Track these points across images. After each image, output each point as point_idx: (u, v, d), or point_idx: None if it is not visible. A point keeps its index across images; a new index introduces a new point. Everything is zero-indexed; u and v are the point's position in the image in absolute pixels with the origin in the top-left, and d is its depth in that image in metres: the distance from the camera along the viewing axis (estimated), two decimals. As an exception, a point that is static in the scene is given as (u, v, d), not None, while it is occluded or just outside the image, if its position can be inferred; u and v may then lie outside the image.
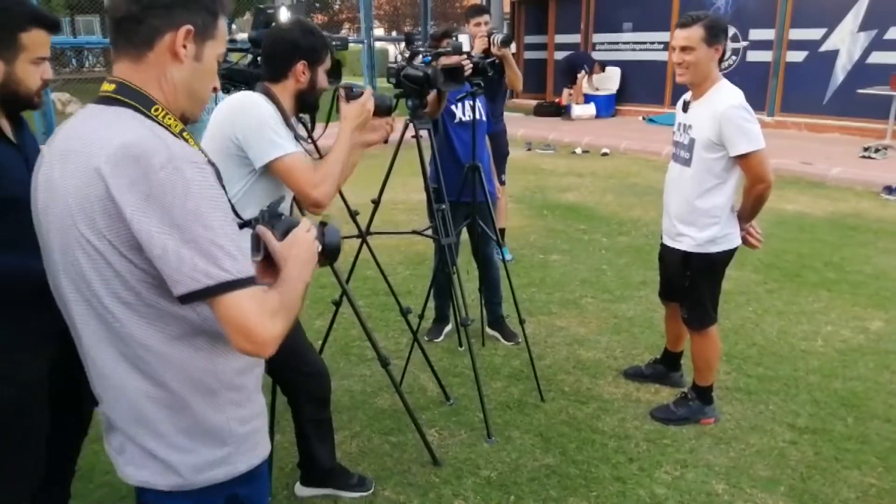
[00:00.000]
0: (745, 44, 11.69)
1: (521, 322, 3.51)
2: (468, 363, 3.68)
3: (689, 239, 3.00)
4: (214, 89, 1.39)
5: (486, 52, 4.13)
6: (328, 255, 1.55)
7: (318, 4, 24.02)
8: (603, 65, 13.45)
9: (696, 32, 2.81)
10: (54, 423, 1.99)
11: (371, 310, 4.45)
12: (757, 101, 11.36)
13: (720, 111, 2.81)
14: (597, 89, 13.55)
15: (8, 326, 1.81)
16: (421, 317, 3.61)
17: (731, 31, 11.78)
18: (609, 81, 13.60)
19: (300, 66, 2.20)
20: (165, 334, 1.26)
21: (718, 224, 2.94)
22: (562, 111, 13.53)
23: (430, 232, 3.26)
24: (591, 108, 13.32)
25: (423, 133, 3.14)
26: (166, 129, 1.24)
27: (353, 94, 2.27)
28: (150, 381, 1.29)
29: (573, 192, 7.77)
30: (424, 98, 3.09)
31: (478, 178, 3.35)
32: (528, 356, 3.51)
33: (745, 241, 3.07)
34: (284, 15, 2.49)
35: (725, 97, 2.85)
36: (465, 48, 3.16)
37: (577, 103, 13.31)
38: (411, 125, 3.10)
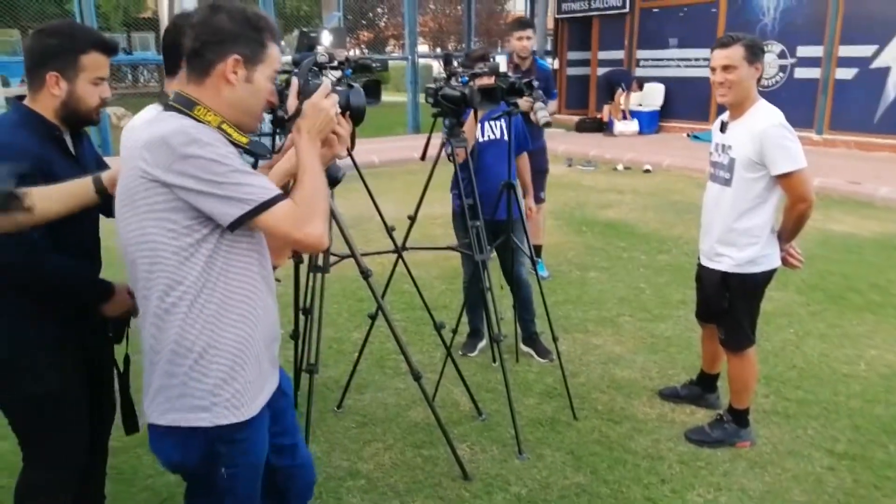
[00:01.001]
0: (792, 61, 11.51)
1: (555, 339, 3.52)
2: (501, 379, 3.69)
3: (729, 259, 2.98)
4: (271, 103, 1.69)
5: (525, 114, 4.08)
6: (354, 117, 1.69)
7: (363, 22, 24.42)
8: (641, 83, 13.37)
9: (736, 52, 2.80)
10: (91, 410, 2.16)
11: (407, 323, 4.50)
12: (805, 118, 11.17)
13: (761, 130, 2.80)
14: (640, 105, 13.47)
15: (58, 321, 2.00)
16: (455, 331, 3.64)
17: (779, 47, 11.63)
18: (652, 97, 13.51)
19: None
20: None
21: (758, 244, 2.92)
22: (604, 127, 13.48)
23: (465, 248, 3.30)
24: (633, 125, 13.24)
25: (460, 151, 3.20)
26: (205, 123, 1.55)
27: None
28: None
29: (613, 209, 7.74)
30: (461, 117, 3.15)
31: (513, 196, 3.39)
32: (561, 373, 3.50)
33: (784, 261, 3.04)
34: (327, 38, 2.57)
35: (766, 116, 2.85)
36: (503, 68, 3.21)
37: (616, 119, 13.25)
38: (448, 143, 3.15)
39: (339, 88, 1.77)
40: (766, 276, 2.98)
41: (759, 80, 2.88)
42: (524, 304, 4.07)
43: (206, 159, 1.48)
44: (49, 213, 1.78)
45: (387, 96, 3.03)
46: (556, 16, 15.57)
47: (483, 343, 4.11)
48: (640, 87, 13.37)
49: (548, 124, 4.38)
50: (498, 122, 3.76)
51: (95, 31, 2.10)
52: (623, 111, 13.29)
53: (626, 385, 3.69)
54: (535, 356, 4.01)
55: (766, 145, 2.78)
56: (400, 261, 3.30)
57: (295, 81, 1.73)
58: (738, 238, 2.92)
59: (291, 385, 2.04)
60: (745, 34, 2.87)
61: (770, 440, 3.16)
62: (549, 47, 16.04)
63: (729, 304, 3.02)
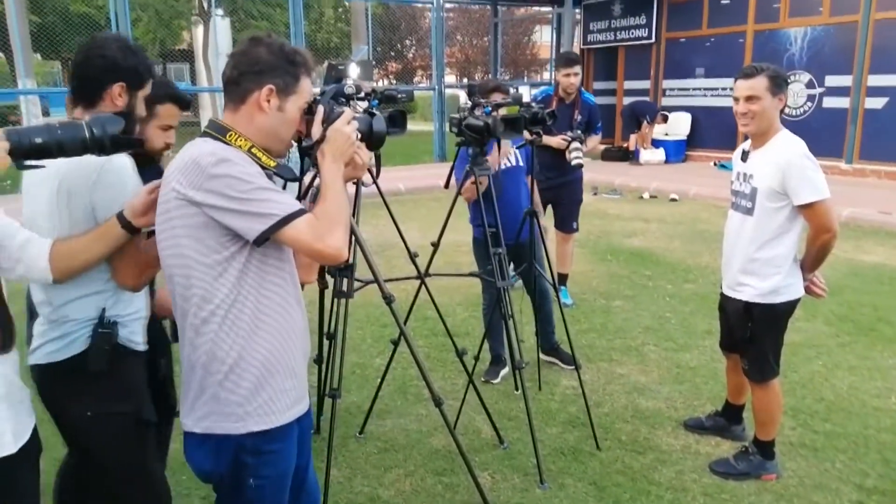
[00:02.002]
0: (821, 90, 11.45)
1: (577, 368, 3.51)
2: (523, 407, 3.68)
3: (751, 289, 2.96)
4: (299, 131, 1.78)
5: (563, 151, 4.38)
6: (374, 141, 1.81)
7: (392, 53, 24.84)
8: (665, 115, 13.38)
9: (760, 83, 2.81)
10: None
11: (429, 350, 4.51)
12: (834, 148, 11.08)
13: (784, 160, 2.80)
14: (666, 135, 13.45)
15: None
16: (477, 358, 3.65)
17: (807, 77, 11.58)
18: (679, 127, 13.50)
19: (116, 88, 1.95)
20: None
21: (781, 274, 2.90)
22: (630, 156, 13.47)
23: (487, 275, 3.32)
24: (660, 154, 13.22)
25: (483, 179, 3.24)
26: (235, 147, 1.64)
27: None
28: None
29: (639, 238, 7.71)
30: (484, 146, 3.20)
31: (535, 223, 3.41)
32: (584, 403, 3.49)
33: (808, 290, 3.01)
34: (354, 70, 2.63)
35: (789, 146, 2.85)
36: (526, 98, 3.26)
37: (643, 148, 13.24)
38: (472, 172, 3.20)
39: (360, 115, 1.85)
40: (790, 306, 2.96)
41: (782, 110, 2.89)
42: (547, 317, 4.12)
43: (233, 177, 1.56)
44: (79, 266, 1.82)
45: (413, 125, 3.10)
46: (582, 46, 15.69)
47: (505, 370, 4.11)
48: (665, 120, 13.36)
49: (579, 166, 4.49)
50: (512, 149, 3.85)
51: (172, 86, 2.30)
52: (649, 141, 13.30)
53: (650, 415, 3.66)
54: (560, 364, 4.05)
55: (789, 175, 2.78)
56: (423, 287, 3.32)
57: (321, 109, 1.79)
58: (760, 268, 2.91)
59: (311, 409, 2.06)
60: (768, 65, 2.88)
61: (797, 473, 3.10)
62: (583, 151, 16.11)
63: (752, 334, 2.99)
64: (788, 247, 2.89)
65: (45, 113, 12.57)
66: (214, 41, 13.09)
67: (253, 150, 1.67)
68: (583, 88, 5.31)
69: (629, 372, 4.20)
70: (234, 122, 1.69)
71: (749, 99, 2.83)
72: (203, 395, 1.69)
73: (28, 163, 1.55)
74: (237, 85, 1.68)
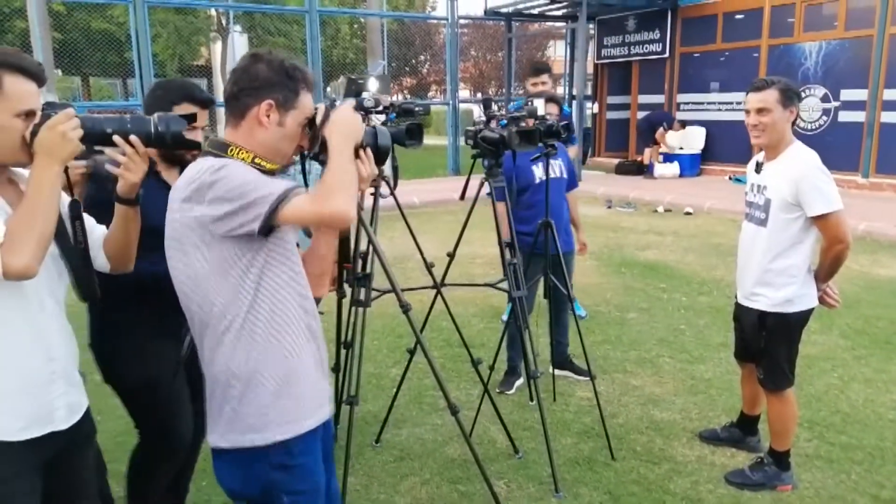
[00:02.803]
0: (836, 104, 11.43)
1: (592, 379, 3.53)
2: (538, 417, 3.71)
3: (765, 299, 2.99)
4: (300, 147, 1.79)
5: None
6: (379, 156, 1.83)
7: (407, 69, 25.04)
8: (683, 123, 13.41)
9: (771, 95, 2.85)
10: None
11: (444, 360, 4.55)
12: (850, 162, 11.05)
13: (798, 172, 2.84)
14: (681, 148, 13.47)
15: (151, 319, 2.29)
16: (492, 368, 3.68)
17: (822, 91, 11.57)
18: (693, 140, 13.51)
19: None
20: None
21: (795, 284, 2.93)
22: (644, 170, 13.49)
23: (503, 285, 3.36)
24: (674, 167, 13.24)
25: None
26: (239, 160, 1.67)
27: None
28: None
29: (653, 251, 7.72)
30: (500, 158, 3.25)
31: (550, 234, 3.46)
32: (598, 413, 3.51)
33: (822, 301, 3.03)
34: (373, 84, 2.70)
35: (802, 158, 2.89)
36: (541, 112, 3.31)
37: (657, 162, 13.26)
38: (486, 183, 3.25)
39: (366, 129, 1.84)
40: (804, 316, 2.98)
41: (794, 122, 2.92)
42: (561, 329, 4.16)
43: (231, 178, 1.59)
44: (119, 244, 1.94)
45: (428, 139, 3.16)
46: (596, 61, 15.77)
47: (520, 381, 4.13)
48: (683, 126, 13.39)
49: None
50: (556, 161, 3.96)
51: (188, 86, 2.37)
52: (664, 150, 13.33)
53: (665, 426, 3.66)
54: (574, 376, 4.08)
55: (803, 187, 2.81)
56: (438, 297, 3.36)
57: (322, 107, 1.79)
58: (774, 278, 2.93)
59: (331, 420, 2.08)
60: (780, 78, 2.92)
61: (812, 484, 3.10)
62: (588, 92, 16.20)
63: (767, 343, 3.01)
64: (802, 257, 2.91)
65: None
66: (233, 57, 13.28)
67: (256, 160, 1.69)
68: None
69: (644, 383, 4.21)
70: (235, 138, 1.71)
71: (760, 111, 2.87)
72: (225, 408, 1.72)
73: (97, 148, 1.74)
74: (237, 100, 1.70)
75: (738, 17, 12.90)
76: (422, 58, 25.55)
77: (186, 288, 1.70)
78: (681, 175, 13.17)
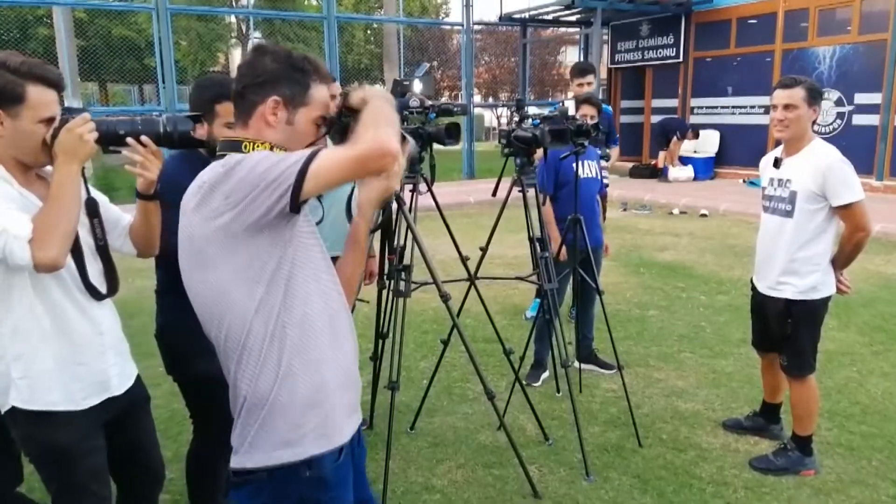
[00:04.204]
0: (850, 108, 11.51)
1: (620, 368, 3.67)
2: (566, 407, 3.85)
3: (792, 287, 3.12)
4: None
5: None
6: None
7: (420, 73, 25.18)
8: (696, 131, 13.52)
9: (798, 93, 3.01)
10: None
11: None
12: (864, 165, 11.10)
13: (825, 164, 2.99)
14: (695, 152, 13.57)
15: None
16: (522, 358, 3.81)
17: (836, 95, 11.65)
18: (708, 144, 13.61)
19: None
20: None
21: (819, 271, 3.08)
22: (658, 173, 13.59)
23: (534, 278, 3.50)
24: (688, 171, 13.33)
25: (530, 189, 3.43)
26: (256, 151, 1.55)
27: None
28: None
29: (670, 252, 7.83)
30: (532, 156, 3.39)
31: (579, 230, 3.60)
32: (625, 404, 3.64)
33: (836, 288, 3.17)
34: (418, 86, 2.85)
35: (827, 153, 3.05)
36: (571, 112, 3.45)
37: (671, 166, 13.36)
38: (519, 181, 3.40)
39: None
40: (826, 302, 3.14)
41: (814, 122, 3.09)
42: (589, 324, 4.30)
43: (250, 161, 1.44)
44: (143, 234, 2.09)
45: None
46: (610, 65, 15.89)
47: (546, 374, 4.26)
48: (696, 135, 13.50)
49: (605, 185, 4.67)
50: (593, 162, 4.15)
51: (227, 84, 2.38)
52: (677, 157, 13.44)
53: (689, 416, 3.79)
54: (599, 369, 4.21)
55: (830, 179, 2.96)
56: (473, 289, 3.50)
57: (347, 88, 1.71)
58: (800, 266, 3.07)
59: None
60: (806, 77, 3.10)
61: (834, 470, 3.21)
62: (601, 96, 16.31)
63: (793, 330, 3.14)
64: (826, 245, 3.07)
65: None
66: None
67: (275, 149, 1.56)
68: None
69: (666, 377, 4.33)
70: (246, 138, 1.59)
71: (787, 107, 3.03)
72: (250, 428, 1.57)
73: (112, 148, 1.89)
74: (242, 99, 1.58)
75: (752, 21, 13.00)
76: (435, 63, 25.73)
77: (207, 308, 1.55)
78: (695, 178, 13.27)
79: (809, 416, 3.18)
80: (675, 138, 13.42)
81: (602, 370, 4.34)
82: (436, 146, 2.97)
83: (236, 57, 17.17)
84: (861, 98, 11.38)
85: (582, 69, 5.31)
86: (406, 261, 3.11)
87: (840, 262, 3.12)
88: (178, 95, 11.50)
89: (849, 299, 5.89)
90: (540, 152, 3.41)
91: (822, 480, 3.13)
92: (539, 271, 3.39)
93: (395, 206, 2.98)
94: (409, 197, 3.26)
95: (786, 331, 3.16)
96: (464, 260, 3.36)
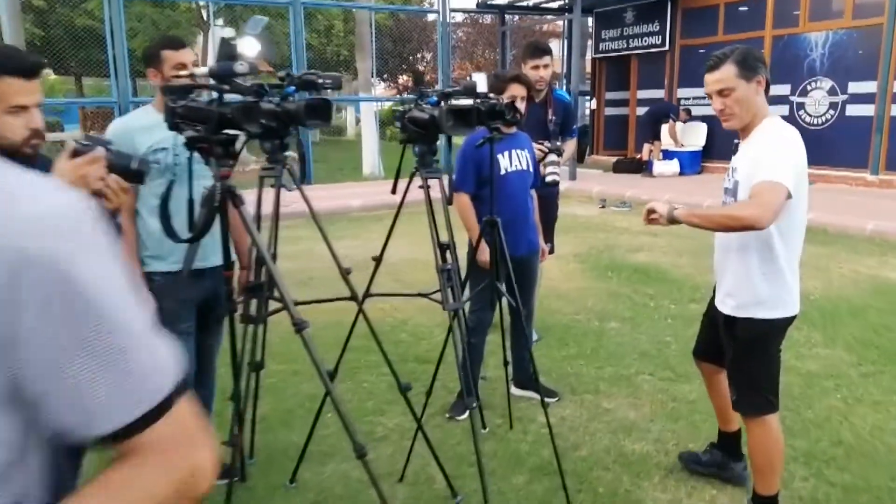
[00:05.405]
0: (843, 97, 10.84)
1: (545, 406, 3.00)
2: (490, 449, 3.20)
3: (732, 300, 2.55)
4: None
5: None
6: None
7: (404, 66, 24.51)
8: (688, 109, 12.85)
9: (728, 71, 2.41)
10: None
11: (394, 379, 4.00)
12: (859, 158, 10.47)
13: (762, 142, 2.42)
14: (682, 145, 12.90)
15: None
16: (429, 393, 3.13)
17: (829, 84, 11.00)
18: (695, 137, 12.94)
19: None
20: None
21: (767, 282, 2.46)
22: (643, 167, 12.93)
23: (437, 296, 2.82)
24: (674, 165, 12.66)
25: (434, 183, 2.77)
26: None
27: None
28: None
29: (644, 253, 7.17)
30: (433, 144, 2.72)
31: (496, 234, 2.93)
32: (560, 443, 3.01)
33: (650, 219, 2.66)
34: (251, 46, 2.18)
35: (771, 128, 2.46)
36: (481, 88, 2.78)
37: (657, 159, 12.70)
38: (419, 175, 2.73)
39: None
40: (779, 325, 2.51)
41: (766, 91, 2.47)
42: (525, 340, 3.66)
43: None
44: None
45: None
46: (594, 55, 15.24)
47: (475, 404, 3.58)
48: (689, 114, 12.82)
49: (554, 182, 3.90)
50: (523, 152, 3.52)
51: None
52: (670, 145, 12.81)
53: (636, 461, 3.12)
54: (538, 397, 3.53)
55: (759, 157, 2.36)
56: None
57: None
58: (743, 272, 2.49)
59: None
60: (735, 47, 2.47)
61: (808, 540, 2.55)
62: (584, 87, 15.69)
63: (736, 355, 2.55)
64: (777, 250, 2.44)
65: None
66: (214, 51, 12.76)
67: None
68: (555, 85, 4.63)
69: (617, 406, 3.66)
70: None
71: (721, 93, 2.43)
72: None
73: None
74: None
75: (741, 7, 12.33)
76: (419, 55, 25.04)
77: None
78: (681, 173, 12.61)
79: (772, 470, 2.53)
80: (670, 121, 12.75)
81: (546, 398, 3.66)
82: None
83: (197, 46, 16.42)
84: (855, 87, 10.71)
85: (538, 47, 4.24)
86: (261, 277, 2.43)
87: (704, 213, 2.56)
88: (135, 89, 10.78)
89: (836, 308, 5.26)
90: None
91: (790, 555, 2.48)
92: (442, 287, 2.71)
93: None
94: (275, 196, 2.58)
95: (730, 354, 2.57)
96: (344, 274, 2.69)
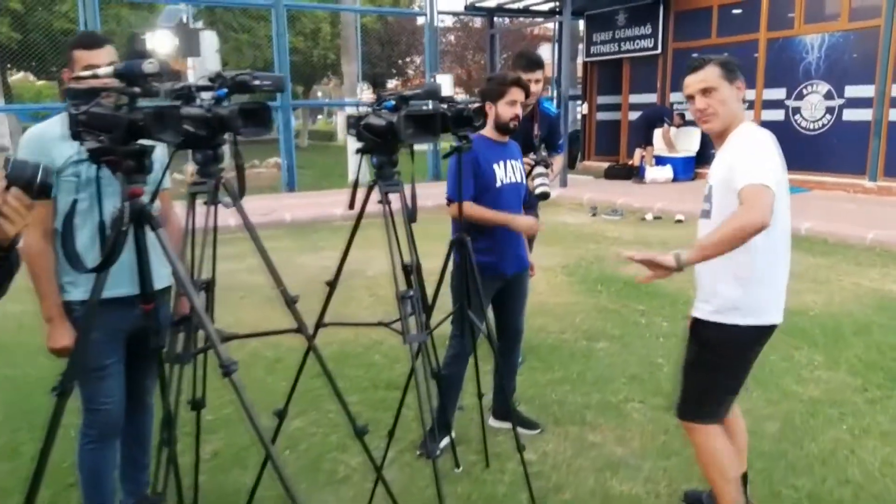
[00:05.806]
0: (840, 102, 10.58)
1: (521, 450, 2.68)
2: (464, 492, 2.89)
3: (707, 304, 2.43)
4: None
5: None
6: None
7: (394, 70, 24.20)
8: (683, 113, 12.57)
9: (712, 72, 2.36)
10: None
11: (362, 408, 3.66)
12: (856, 164, 10.22)
13: (737, 146, 2.33)
14: (676, 150, 12.63)
15: None
16: (391, 435, 2.81)
17: (825, 87, 10.74)
18: (688, 142, 12.67)
19: None
20: None
21: (741, 287, 2.33)
22: (634, 173, 12.65)
23: (398, 326, 2.50)
24: (667, 171, 12.38)
25: (394, 197, 2.46)
26: None
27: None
28: None
29: (635, 265, 6.82)
30: (393, 153, 2.41)
31: (465, 255, 2.61)
32: (544, 483, 2.71)
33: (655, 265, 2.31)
34: (166, 42, 1.86)
35: (746, 132, 2.36)
36: (446, 91, 2.47)
37: (649, 165, 12.42)
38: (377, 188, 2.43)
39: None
40: (753, 333, 2.38)
41: (744, 99, 2.44)
42: (512, 370, 3.39)
43: None
44: None
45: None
46: (585, 59, 14.97)
47: (446, 441, 3.26)
48: (683, 118, 12.54)
49: (544, 195, 3.55)
50: (516, 162, 3.25)
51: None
52: (664, 151, 12.54)
53: (623, 505, 2.81)
54: (521, 429, 3.22)
55: (735, 161, 2.25)
56: (316, 347, 2.50)
57: None
58: (715, 278, 2.37)
59: None
60: (714, 55, 2.45)
61: None
62: (575, 91, 15.44)
63: (699, 360, 2.47)
64: (751, 253, 2.27)
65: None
66: (203, 69, 12.43)
67: None
68: (545, 92, 4.35)
69: (604, 440, 3.35)
70: None
71: (706, 92, 2.35)
72: None
73: None
74: None
75: (735, 10, 12.08)
76: (408, 59, 24.73)
77: None
78: (674, 179, 12.33)
79: (713, 480, 2.48)
80: (664, 126, 12.47)
81: (527, 430, 3.35)
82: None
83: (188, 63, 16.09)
84: (852, 91, 10.45)
85: (531, 60, 3.87)
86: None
87: (705, 240, 2.23)
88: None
89: (838, 324, 4.96)
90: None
91: None
92: (403, 317, 2.40)
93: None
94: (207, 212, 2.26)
95: (688, 356, 2.50)
96: (290, 303, 2.36)
